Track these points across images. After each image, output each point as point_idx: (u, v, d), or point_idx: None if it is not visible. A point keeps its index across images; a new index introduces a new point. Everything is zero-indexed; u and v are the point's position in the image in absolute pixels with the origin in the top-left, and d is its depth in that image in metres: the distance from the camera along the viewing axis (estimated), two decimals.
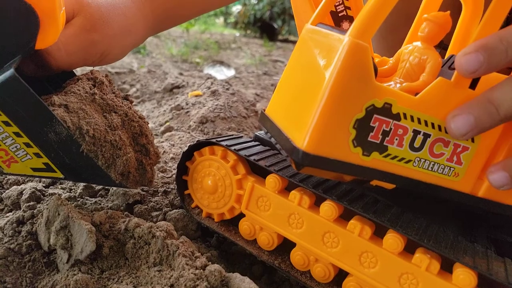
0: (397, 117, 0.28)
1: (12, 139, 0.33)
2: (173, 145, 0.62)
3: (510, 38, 0.26)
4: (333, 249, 0.34)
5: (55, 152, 0.34)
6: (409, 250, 0.32)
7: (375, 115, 0.27)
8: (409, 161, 0.29)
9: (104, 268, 0.34)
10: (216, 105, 0.73)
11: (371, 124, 0.27)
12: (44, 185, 0.45)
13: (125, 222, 0.35)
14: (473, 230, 0.37)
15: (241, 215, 0.39)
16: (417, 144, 0.29)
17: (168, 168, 0.53)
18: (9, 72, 0.31)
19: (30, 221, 0.36)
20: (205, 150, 0.40)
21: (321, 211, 0.34)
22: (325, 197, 0.34)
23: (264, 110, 0.35)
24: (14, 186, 0.42)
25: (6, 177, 0.44)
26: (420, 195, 0.32)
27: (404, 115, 0.28)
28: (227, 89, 0.82)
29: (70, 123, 0.34)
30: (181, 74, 1.19)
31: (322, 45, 0.29)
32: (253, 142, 0.42)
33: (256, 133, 0.44)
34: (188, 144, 0.46)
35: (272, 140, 0.32)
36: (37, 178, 0.44)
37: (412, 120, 0.28)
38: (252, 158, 0.37)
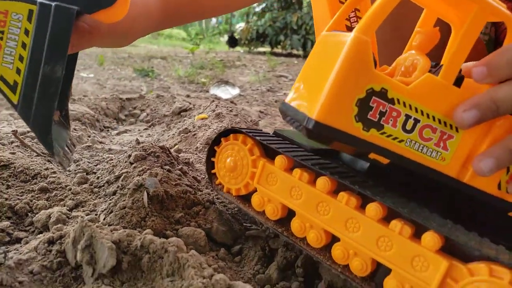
0: (392, 101, 0.34)
1: (16, 44, 0.34)
2: None
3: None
4: (324, 216, 0.39)
5: (33, 81, 0.35)
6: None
7: (373, 97, 0.33)
8: (401, 140, 0.35)
9: (124, 280, 0.38)
10: (221, 127, 0.78)
11: (370, 104, 0.33)
12: (68, 208, 0.50)
13: (140, 239, 0.40)
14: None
15: (253, 192, 0.46)
16: (408, 127, 0.35)
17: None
18: (74, 8, 0.36)
19: (59, 241, 0.41)
20: (230, 137, 0.48)
21: (317, 185, 0.40)
22: (321, 173, 0.39)
23: (285, 101, 0.41)
24: (43, 211, 0.48)
25: (35, 202, 0.50)
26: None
27: (398, 100, 0.34)
28: (231, 110, 0.87)
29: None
30: (188, 96, 1.25)
31: (334, 42, 0.35)
32: (270, 134, 0.50)
33: (275, 130, 0.51)
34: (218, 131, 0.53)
35: (288, 119, 0.38)
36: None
37: (404, 105, 0.34)
38: (265, 142, 0.44)
